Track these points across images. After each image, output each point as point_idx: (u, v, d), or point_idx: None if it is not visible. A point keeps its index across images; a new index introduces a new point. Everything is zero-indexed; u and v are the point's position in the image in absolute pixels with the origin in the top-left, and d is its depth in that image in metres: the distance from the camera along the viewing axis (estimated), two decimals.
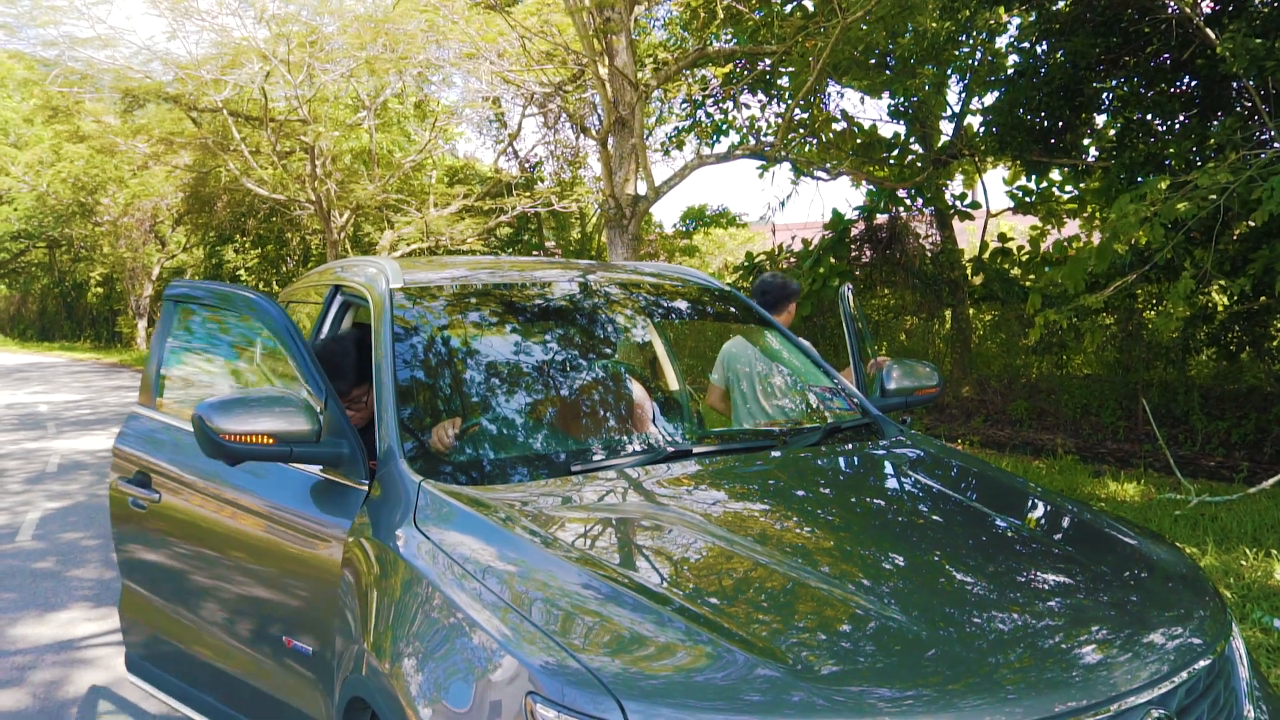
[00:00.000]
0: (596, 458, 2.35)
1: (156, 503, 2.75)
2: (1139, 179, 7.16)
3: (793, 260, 11.72)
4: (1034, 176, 9.44)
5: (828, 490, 2.38)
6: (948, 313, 10.67)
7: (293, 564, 2.35)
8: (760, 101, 11.32)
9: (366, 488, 2.22)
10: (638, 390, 2.79)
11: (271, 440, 2.11)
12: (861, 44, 7.59)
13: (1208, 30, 6.39)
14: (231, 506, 2.53)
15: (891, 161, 10.78)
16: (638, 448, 2.44)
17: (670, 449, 2.42)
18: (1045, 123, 8.10)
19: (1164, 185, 5.72)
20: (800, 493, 2.31)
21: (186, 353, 3.08)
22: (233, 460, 2.17)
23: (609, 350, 2.91)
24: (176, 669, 2.85)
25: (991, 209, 10.92)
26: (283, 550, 2.38)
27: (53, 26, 13.12)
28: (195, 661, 2.75)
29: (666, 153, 13.40)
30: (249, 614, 2.52)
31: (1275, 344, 7.78)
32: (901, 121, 10.50)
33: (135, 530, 2.92)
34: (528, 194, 15.61)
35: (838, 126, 10.82)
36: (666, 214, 33.27)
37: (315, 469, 2.34)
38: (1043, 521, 2.26)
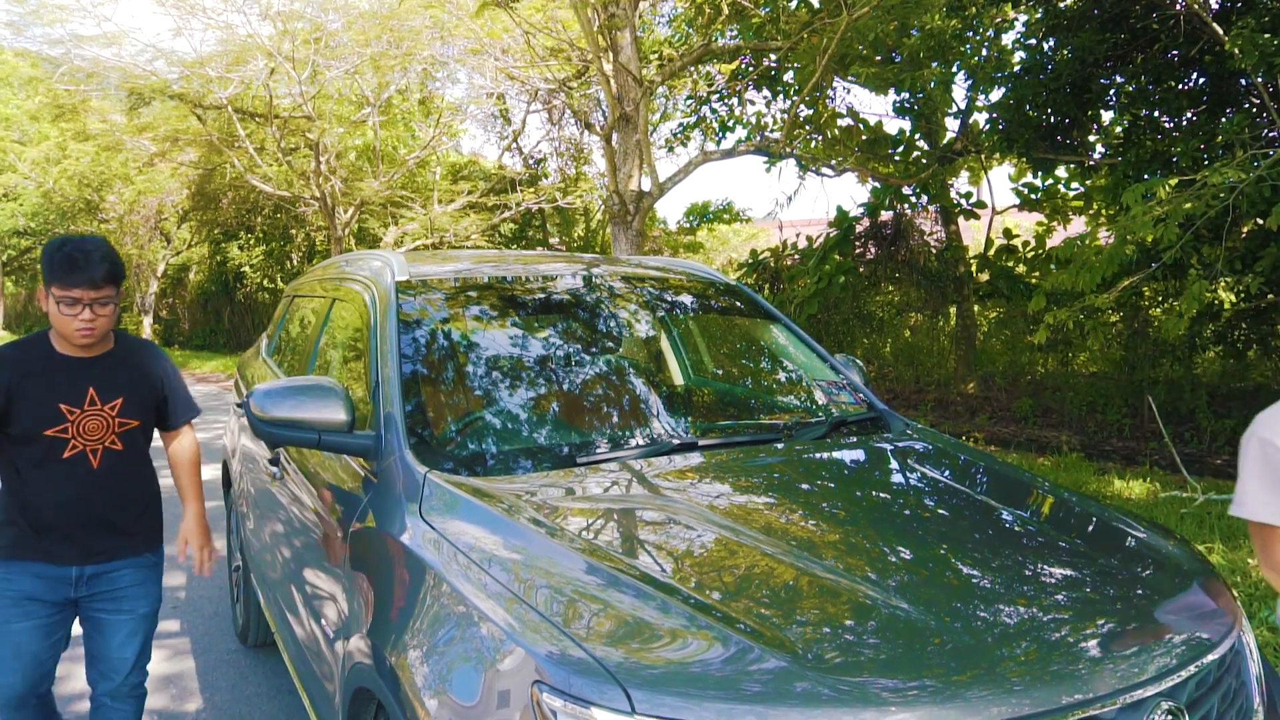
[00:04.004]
0: (600, 450, 2.34)
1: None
2: (1146, 176, 7.12)
3: (797, 257, 11.70)
4: (1040, 173, 9.41)
5: (833, 483, 2.37)
6: (952, 310, 10.64)
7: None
8: (765, 98, 11.30)
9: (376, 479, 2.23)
10: None
11: (303, 426, 2.20)
12: (871, 34, 7.54)
13: (1216, 26, 6.35)
14: None
15: (897, 158, 10.75)
16: (642, 440, 2.43)
17: (675, 441, 2.42)
18: (1052, 119, 8.06)
19: (1173, 184, 5.68)
20: (805, 485, 2.30)
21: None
22: (271, 444, 2.26)
23: (613, 343, 2.91)
24: None
25: (997, 206, 10.90)
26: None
27: (59, 25, 13.14)
28: None
29: (671, 149, 13.37)
30: None
31: None
32: (907, 118, 10.48)
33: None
34: (532, 190, 15.60)
35: (843, 123, 10.79)
36: (671, 211, 33.17)
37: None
38: (1050, 515, 2.25)
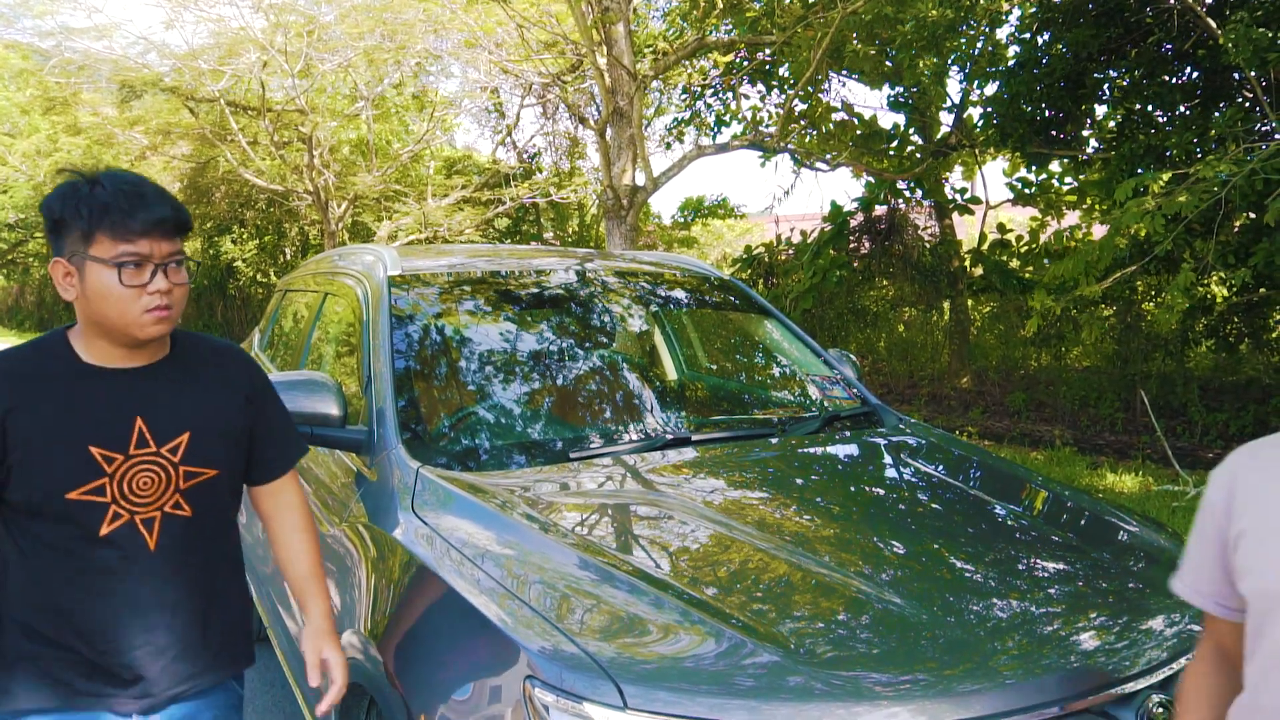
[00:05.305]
0: (594, 445, 2.34)
1: None
2: (1139, 170, 7.14)
3: (791, 252, 11.70)
4: (1034, 168, 9.42)
5: (826, 478, 2.37)
6: (946, 304, 10.65)
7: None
8: (760, 92, 11.29)
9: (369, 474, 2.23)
10: None
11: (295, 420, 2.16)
12: (870, 14, 7.54)
13: (1210, 20, 6.36)
14: None
15: (891, 153, 10.75)
16: (635, 435, 2.43)
17: (669, 436, 2.41)
18: (1045, 114, 8.07)
19: (1166, 178, 5.70)
20: (799, 480, 2.30)
21: None
22: None
23: (606, 338, 2.90)
24: None
25: (991, 200, 10.91)
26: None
27: (49, 16, 13.04)
28: None
29: (668, 146, 13.36)
30: None
31: (1275, 335, 7.77)
32: (901, 113, 10.47)
33: None
34: (526, 185, 15.56)
35: (838, 117, 10.78)
36: (665, 205, 33.30)
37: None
38: (1043, 509, 2.25)
